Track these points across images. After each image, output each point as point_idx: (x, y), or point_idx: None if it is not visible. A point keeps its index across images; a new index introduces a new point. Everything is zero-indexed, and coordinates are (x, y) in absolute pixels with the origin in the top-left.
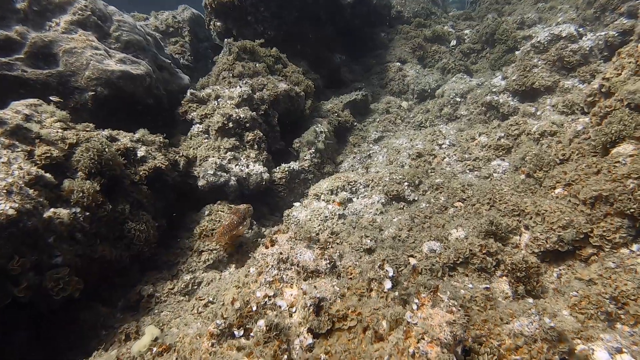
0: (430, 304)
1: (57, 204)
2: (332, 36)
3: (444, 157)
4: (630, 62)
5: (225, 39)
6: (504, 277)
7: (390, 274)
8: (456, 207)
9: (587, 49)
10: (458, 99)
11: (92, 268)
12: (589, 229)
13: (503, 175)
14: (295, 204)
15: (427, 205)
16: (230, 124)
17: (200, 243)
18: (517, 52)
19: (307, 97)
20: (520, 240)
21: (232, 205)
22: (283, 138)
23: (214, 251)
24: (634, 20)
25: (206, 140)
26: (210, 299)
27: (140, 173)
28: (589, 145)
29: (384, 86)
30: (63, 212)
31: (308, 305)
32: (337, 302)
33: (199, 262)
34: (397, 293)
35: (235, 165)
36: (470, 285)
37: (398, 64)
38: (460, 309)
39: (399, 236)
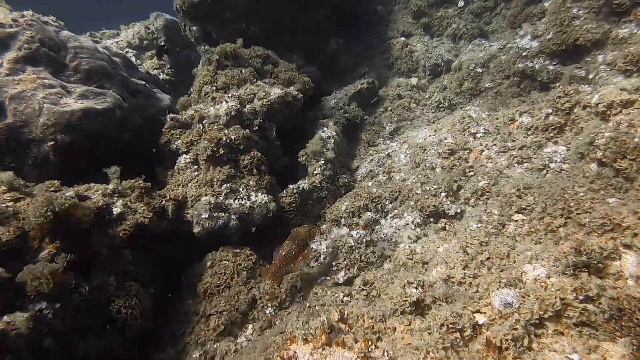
0: None
1: (17, 302)
2: (324, 19)
3: (482, 150)
4: None
5: (201, 47)
6: (618, 334)
7: None
8: (516, 221)
9: None
10: (479, 70)
11: None
12: None
13: (563, 165)
14: None
15: (479, 225)
16: (221, 150)
17: (207, 304)
18: (546, 4)
19: (306, 96)
20: (621, 267)
21: (236, 251)
22: (286, 152)
23: (224, 313)
24: None
25: (196, 173)
26: None
27: (121, 234)
28: None
29: (390, 67)
30: (19, 319)
31: None
32: None
33: (207, 329)
34: None
35: (235, 200)
36: (576, 357)
37: (402, 38)
38: None
39: (452, 277)
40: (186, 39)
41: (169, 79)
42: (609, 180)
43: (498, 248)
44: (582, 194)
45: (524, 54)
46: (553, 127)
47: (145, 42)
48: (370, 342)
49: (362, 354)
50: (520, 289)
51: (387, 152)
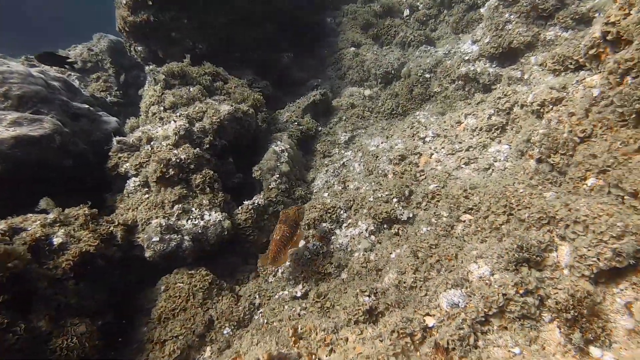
0: None
1: None
2: (274, 34)
3: (432, 154)
4: None
5: (146, 67)
6: (555, 322)
7: None
8: (464, 221)
9: None
10: (427, 75)
11: None
12: None
13: (506, 163)
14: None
15: (429, 228)
16: (172, 171)
17: (162, 330)
18: (481, 10)
19: (258, 112)
20: (558, 257)
21: (191, 272)
22: (240, 168)
23: (180, 337)
24: None
25: (147, 196)
26: None
27: (63, 265)
28: (615, 114)
29: (342, 77)
30: None
31: None
32: None
33: (163, 356)
34: None
35: (187, 220)
36: (517, 350)
37: (353, 49)
38: None
39: (404, 282)
40: (133, 60)
41: (117, 101)
42: (545, 175)
43: (447, 250)
44: (521, 190)
45: (466, 57)
46: (496, 127)
47: (89, 64)
48: (313, 356)
49: None
50: (466, 288)
51: (342, 162)
